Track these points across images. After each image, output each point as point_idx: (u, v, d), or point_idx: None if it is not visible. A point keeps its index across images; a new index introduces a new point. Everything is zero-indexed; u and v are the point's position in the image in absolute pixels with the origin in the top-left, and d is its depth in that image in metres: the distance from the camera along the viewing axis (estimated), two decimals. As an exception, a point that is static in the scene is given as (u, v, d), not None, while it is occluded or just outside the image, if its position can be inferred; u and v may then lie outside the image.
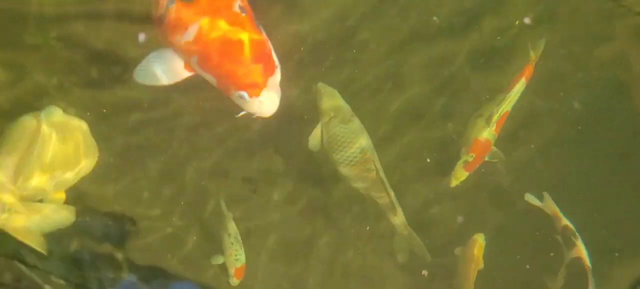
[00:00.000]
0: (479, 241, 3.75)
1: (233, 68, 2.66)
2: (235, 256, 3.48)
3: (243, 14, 2.69)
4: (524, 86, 3.62)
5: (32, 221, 2.98)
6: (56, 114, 3.03)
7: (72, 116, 3.14)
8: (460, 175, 3.66)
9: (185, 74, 2.80)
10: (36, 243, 3.00)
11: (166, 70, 2.79)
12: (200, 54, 2.68)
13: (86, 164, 3.14)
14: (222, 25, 2.64)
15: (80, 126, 3.13)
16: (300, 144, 3.55)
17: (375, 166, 3.42)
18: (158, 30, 2.80)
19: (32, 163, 2.87)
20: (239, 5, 2.70)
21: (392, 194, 3.45)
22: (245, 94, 2.66)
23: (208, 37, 2.65)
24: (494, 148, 3.68)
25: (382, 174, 3.43)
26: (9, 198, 2.87)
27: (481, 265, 3.72)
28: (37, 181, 2.94)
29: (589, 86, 3.96)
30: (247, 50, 2.64)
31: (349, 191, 3.58)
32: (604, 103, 3.96)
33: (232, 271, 3.50)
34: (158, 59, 2.79)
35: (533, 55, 3.62)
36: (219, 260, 3.54)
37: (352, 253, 3.83)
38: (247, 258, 3.51)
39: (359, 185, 3.48)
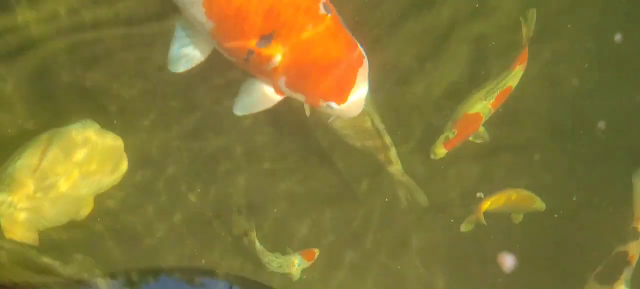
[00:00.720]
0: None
1: (317, 86, 2.73)
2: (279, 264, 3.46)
3: (328, 15, 2.67)
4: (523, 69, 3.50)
5: (46, 210, 3.02)
6: (93, 127, 3.11)
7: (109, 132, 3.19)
8: (439, 152, 3.48)
9: (277, 97, 2.88)
10: (30, 238, 3.00)
11: (259, 98, 2.87)
12: (287, 75, 2.73)
13: (112, 178, 3.21)
14: (305, 40, 2.65)
15: (115, 142, 3.18)
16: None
17: (370, 116, 3.32)
18: (242, 69, 2.85)
19: (58, 167, 2.99)
20: (323, 3, 2.67)
21: (388, 140, 3.36)
22: (333, 103, 2.75)
23: (292, 59, 2.69)
24: (482, 128, 3.53)
25: (378, 122, 3.34)
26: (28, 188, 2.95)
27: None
28: (63, 184, 3.01)
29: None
30: (331, 60, 2.68)
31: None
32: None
33: (295, 269, 3.47)
34: (249, 92, 2.87)
35: (526, 32, 3.46)
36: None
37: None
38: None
39: (353, 136, 3.38)
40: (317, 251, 3.53)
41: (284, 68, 2.71)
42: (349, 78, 2.71)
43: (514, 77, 3.46)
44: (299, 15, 2.61)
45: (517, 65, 3.47)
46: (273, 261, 3.43)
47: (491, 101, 3.45)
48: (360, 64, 2.72)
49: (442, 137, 3.47)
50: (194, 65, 2.85)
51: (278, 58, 2.68)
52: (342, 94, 2.73)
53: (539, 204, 3.61)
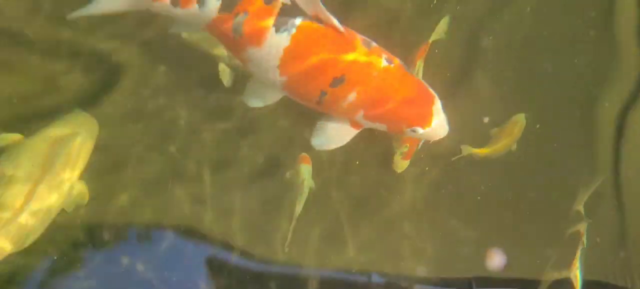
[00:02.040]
0: (521, 121, 3.53)
1: (399, 113, 2.81)
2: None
3: (391, 65, 2.79)
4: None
5: (52, 200, 3.05)
6: (81, 114, 3.20)
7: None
8: (402, 165, 3.49)
9: (354, 132, 2.96)
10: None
11: (337, 134, 2.96)
12: (365, 109, 2.82)
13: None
14: (377, 84, 2.76)
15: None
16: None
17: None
18: (314, 109, 2.94)
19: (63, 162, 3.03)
20: (386, 58, 2.79)
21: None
22: (418, 128, 2.83)
23: (366, 96, 2.77)
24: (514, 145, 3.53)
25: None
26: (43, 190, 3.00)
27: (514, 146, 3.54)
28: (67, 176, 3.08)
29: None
30: (405, 92, 2.79)
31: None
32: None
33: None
34: (327, 127, 2.95)
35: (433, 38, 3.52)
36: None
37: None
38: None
39: None
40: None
41: (360, 103, 2.80)
42: (427, 106, 2.82)
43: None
44: (366, 68, 2.75)
45: (417, 60, 3.65)
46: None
47: None
48: (433, 99, 2.84)
49: (398, 154, 3.64)
50: (267, 104, 3.00)
51: (353, 95, 2.77)
52: (425, 119, 2.83)
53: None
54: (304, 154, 3.35)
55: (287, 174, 3.40)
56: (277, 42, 2.65)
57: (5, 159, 3.04)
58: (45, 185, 2.98)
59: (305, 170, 3.36)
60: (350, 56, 2.70)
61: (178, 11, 2.79)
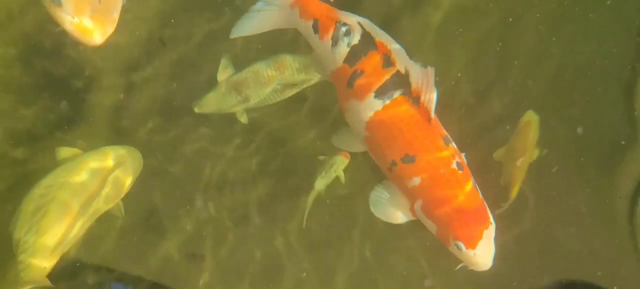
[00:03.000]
0: (533, 121, 3.53)
1: (452, 218, 2.83)
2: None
3: (460, 172, 2.85)
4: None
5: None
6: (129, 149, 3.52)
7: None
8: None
9: (410, 216, 3.00)
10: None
11: (395, 208, 3.01)
12: (424, 200, 2.89)
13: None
14: (441, 182, 2.84)
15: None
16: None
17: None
18: (386, 175, 3.04)
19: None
20: (457, 162, 2.86)
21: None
22: (462, 244, 2.79)
23: (429, 188, 2.85)
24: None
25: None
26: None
27: (534, 156, 3.53)
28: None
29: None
30: (464, 203, 2.82)
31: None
32: None
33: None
34: (387, 195, 3.04)
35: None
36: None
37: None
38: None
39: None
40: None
41: (422, 192, 2.86)
42: (480, 227, 2.81)
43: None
44: (435, 163, 2.85)
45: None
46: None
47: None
48: (487, 218, 2.85)
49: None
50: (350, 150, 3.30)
51: (418, 180, 2.85)
52: (473, 239, 2.79)
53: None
54: (346, 152, 3.62)
55: (320, 157, 3.71)
56: (372, 105, 2.86)
57: (57, 176, 3.27)
58: (83, 217, 3.24)
59: (340, 161, 3.64)
60: (427, 144, 2.84)
61: (316, 39, 2.98)
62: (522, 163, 3.49)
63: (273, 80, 3.69)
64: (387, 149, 2.90)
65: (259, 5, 3.08)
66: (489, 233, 2.82)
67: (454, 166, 2.85)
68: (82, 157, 3.36)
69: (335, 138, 3.22)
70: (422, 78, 2.78)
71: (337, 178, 3.67)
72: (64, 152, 3.43)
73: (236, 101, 3.71)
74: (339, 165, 3.66)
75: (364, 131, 2.93)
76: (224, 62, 3.74)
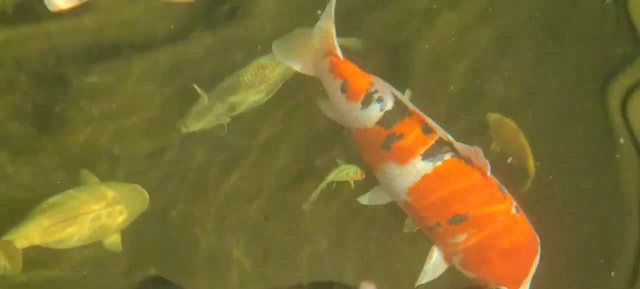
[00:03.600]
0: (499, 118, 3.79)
1: (497, 268, 2.83)
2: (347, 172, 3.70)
3: (518, 214, 2.82)
4: None
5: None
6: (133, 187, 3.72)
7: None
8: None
9: (445, 266, 2.96)
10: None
11: (431, 266, 2.96)
12: (465, 255, 2.86)
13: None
14: (495, 230, 2.80)
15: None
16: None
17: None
18: (422, 230, 2.99)
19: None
20: (515, 206, 2.80)
21: None
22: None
23: (477, 243, 2.81)
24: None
25: None
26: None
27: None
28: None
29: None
30: (516, 249, 2.81)
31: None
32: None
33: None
34: (427, 263, 2.97)
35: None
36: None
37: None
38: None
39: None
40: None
41: (465, 248, 2.84)
42: (526, 266, 2.82)
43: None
44: (493, 215, 2.78)
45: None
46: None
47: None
48: (537, 251, 2.84)
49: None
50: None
51: (464, 236, 2.81)
52: (517, 282, 2.82)
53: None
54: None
55: (338, 161, 3.76)
56: (418, 168, 2.74)
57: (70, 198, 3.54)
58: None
59: (354, 172, 3.69)
60: (485, 199, 2.76)
61: (341, 98, 2.82)
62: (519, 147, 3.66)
63: (255, 83, 3.70)
64: (434, 211, 2.81)
65: (288, 39, 2.95)
66: (534, 267, 2.85)
67: (513, 211, 2.80)
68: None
69: (362, 198, 3.11)
70: (476, 155, 2.70)
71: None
72: (85, 176, 3.67)
73: (223, 110, 3.70)
74: (352, 175, 3.68)
75: (405, 195, 2.82)
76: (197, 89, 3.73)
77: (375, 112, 2.76)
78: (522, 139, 3.67)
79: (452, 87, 4.04)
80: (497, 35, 4.07)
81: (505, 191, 2.84)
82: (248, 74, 3.71)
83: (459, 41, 4.08)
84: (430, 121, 2.74)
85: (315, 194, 3.71)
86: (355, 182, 3.72)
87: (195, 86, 3.70)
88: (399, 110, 2.75)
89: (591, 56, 4.11)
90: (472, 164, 2.73)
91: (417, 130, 2.74)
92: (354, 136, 2.91)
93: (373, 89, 2.75)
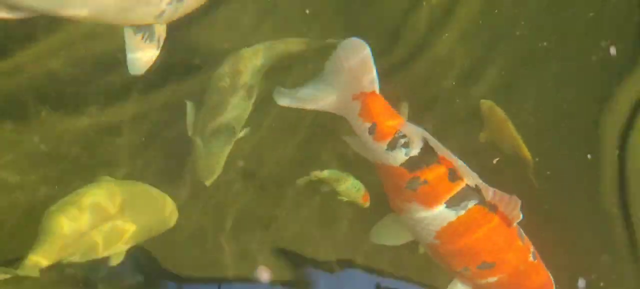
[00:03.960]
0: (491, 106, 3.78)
1: None
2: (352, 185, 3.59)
3: (535, 261, 2.94)
4: None
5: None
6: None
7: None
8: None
9: None
10: None
11: None
12: None
13: None
14: (519, 276, 2.92)
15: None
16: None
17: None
18: (456, 275, 3.03)
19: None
20: (532, 252, 2.93)
21: None
22: None
23: (504, 284, 2.92)
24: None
25: None
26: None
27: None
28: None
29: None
30: (535, 285, 2.97)
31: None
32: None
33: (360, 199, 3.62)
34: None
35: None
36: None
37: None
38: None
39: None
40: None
41: (489, 285, 2.93)
42: None
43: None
44: (516, 261, 2.90)
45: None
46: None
47: None
48: None
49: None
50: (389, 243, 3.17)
51: (493, 279, 2.90)
52: None
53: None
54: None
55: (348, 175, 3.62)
56: (444, 215, 2.78)
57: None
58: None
59: (362, 192, 3.56)
60: (507, 247, 2.85)
61: (368, 138, 2.80)
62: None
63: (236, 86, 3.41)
64: (462, 257, 2.88)
65: (318, 81, 2.88)
66: None
67: (531, 258, 2.92)
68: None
69: (375, 234, 3.18)
70: (507, 205, 2.75)
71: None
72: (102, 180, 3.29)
73: (224, 142, 3.42)
74: (354, 196, 3.59)
75: (432, 239, 2.86)
76: (190, 105, 3.48)
77: (400, 155, 2.76)
78: (511, 128, 3.70)
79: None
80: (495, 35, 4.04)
81: (523, 235, 2.93)
82: (224, 77, 3.41)
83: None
84: (458, 165, 2.76)
85: (302, 181, 3.60)
86: (356, 205, 3.64)
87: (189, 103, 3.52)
88: (426, 156, 2.75)
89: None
90: (497, 211, 2.77)
91: (443, 177, 2.75)
92: (379, 170, 2.91)
93: (400, 134, 2.76)
